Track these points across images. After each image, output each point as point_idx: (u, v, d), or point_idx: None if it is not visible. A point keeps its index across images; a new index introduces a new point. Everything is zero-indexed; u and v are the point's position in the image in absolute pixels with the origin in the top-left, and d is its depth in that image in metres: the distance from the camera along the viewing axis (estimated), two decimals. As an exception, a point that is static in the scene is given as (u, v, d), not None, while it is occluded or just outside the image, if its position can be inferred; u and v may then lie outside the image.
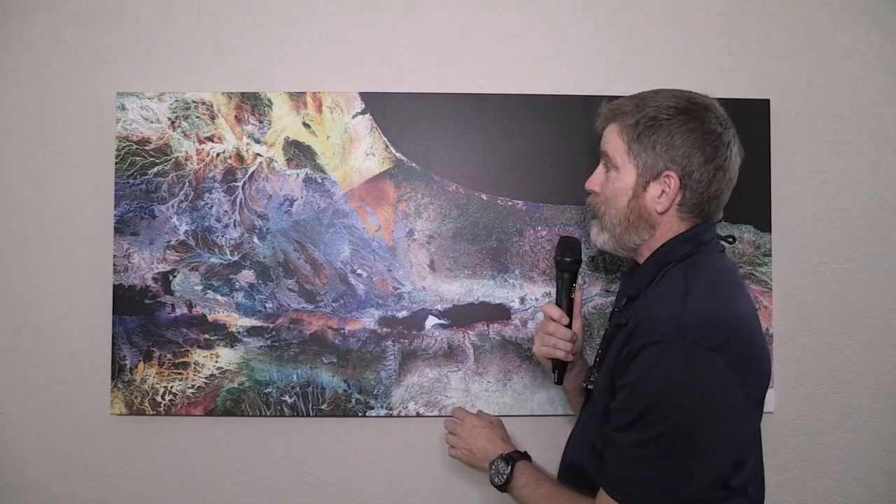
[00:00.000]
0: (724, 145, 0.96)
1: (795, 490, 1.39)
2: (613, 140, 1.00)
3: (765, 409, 1.33)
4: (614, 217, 1.00)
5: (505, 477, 1.07)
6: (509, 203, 1.35)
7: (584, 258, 1.17)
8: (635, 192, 0.98)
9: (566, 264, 1.12)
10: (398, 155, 1.35)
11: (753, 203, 1.35)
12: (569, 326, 1.11)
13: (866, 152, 1.40)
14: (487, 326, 1.34)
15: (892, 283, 1.39)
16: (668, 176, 0.95)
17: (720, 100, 1.35)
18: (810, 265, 1.39)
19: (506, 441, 1.16)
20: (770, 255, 1.36)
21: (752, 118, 1.36)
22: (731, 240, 1.02)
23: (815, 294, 1.39)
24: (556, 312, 1.11)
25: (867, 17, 1.40)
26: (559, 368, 1.13)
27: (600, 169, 1.04)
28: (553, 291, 1.23)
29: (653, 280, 0.98)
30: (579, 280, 1.19)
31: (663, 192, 0.96)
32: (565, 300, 1.12)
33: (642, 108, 0.97)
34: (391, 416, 1.33)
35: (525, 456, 1.13)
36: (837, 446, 1.39)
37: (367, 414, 1.33)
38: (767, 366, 0.94)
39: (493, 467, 1.10)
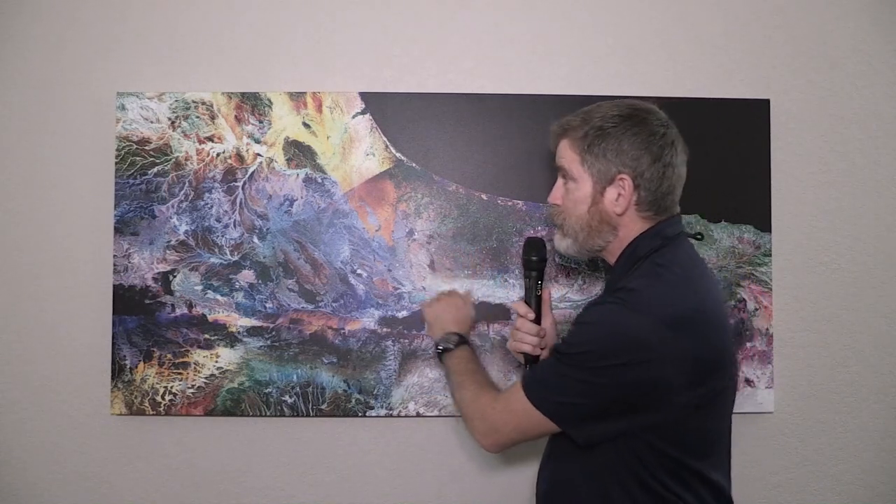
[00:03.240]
0: (668, 144, 1.02)
1: (795, 490, 1.39)
2: (567, 154, 1.06)
3: (765, 409, 1.36)
4: (576, 224, 1.06)
5: (451, 345, 1.20)
6: (509, 203, 1.35)
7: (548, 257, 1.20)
8: (594, 199, 1.04)
9: (533, 263, 1.17)
10: (398, 155, 1.35)
11: (753, 203, 1.36)
12: (537, 322, 1.15)
13: (866, 152, 1.40)
14: (487, 326, 1.34)
15: (892, 283, 1.39)
16: (621, 179, 1.01)
17: (720, 100, 1.38)
18: (810, 265, 1.39)
19: (465, 326, 1.27)
20: (770, 255, 1.36)
21: (752, 118, 1.36)
22: (699, 237, 1.08)
23: (815, 294, 1.39)
24: (523, 308, 1.16)
25: (867, 17, 1.40)
26: (530, 363, 1.16)
27: (559, 183, 1.10)
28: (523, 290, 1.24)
29: (625, 275, 1.03)
30: (546, 278, 1.23)
31: (619, 194, 1.02)
32: (534, 297, 1.17)
33: (588, 120, 1.04)
34: (391, 416, 1.33)
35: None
36: (837, 446, 1.39)
37: (367, 414, 1.33)
38: (728, 360, 0.99)
39: (445, 336, 1.22)
